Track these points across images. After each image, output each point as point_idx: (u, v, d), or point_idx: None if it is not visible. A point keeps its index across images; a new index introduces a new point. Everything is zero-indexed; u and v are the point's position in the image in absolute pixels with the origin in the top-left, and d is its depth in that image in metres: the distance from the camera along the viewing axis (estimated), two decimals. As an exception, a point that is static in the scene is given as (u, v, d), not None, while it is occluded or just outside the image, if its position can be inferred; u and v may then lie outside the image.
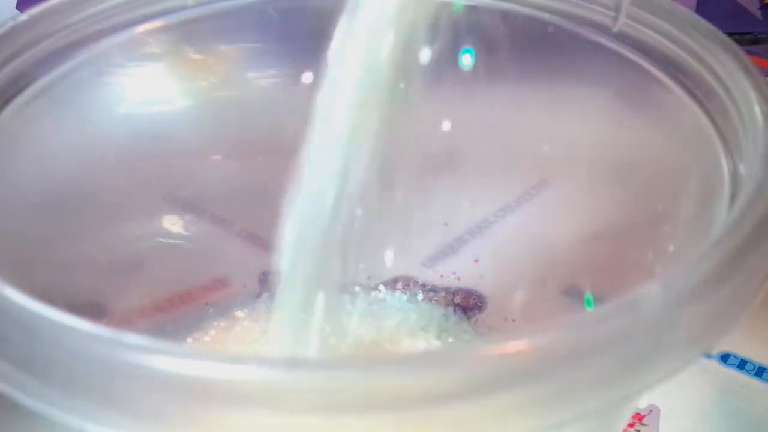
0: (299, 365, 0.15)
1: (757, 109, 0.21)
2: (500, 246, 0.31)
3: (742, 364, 0.30)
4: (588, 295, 0.28)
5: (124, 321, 0.28)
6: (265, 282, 0.30)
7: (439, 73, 0.30)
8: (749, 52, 0.22)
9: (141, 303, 0.29)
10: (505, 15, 0.28)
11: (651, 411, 0.28)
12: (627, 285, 0.16)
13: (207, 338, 0.28)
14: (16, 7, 0.42)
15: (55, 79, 0.26)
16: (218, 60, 0.30)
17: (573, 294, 0.28)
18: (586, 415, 0.16)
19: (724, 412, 0.28)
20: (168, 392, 0.15)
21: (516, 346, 0.15)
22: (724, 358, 0.30)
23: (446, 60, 0.30)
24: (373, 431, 0.15)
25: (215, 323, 0.29)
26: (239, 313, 0.29)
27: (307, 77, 0.29)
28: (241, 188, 0.32)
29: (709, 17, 0.24)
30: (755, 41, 0.42)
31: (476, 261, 0.31)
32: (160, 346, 0.15)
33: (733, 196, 0.20)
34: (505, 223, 0.31)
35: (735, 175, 0.21)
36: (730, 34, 0.23)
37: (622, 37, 0.26)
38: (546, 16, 0.27)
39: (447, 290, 0.30)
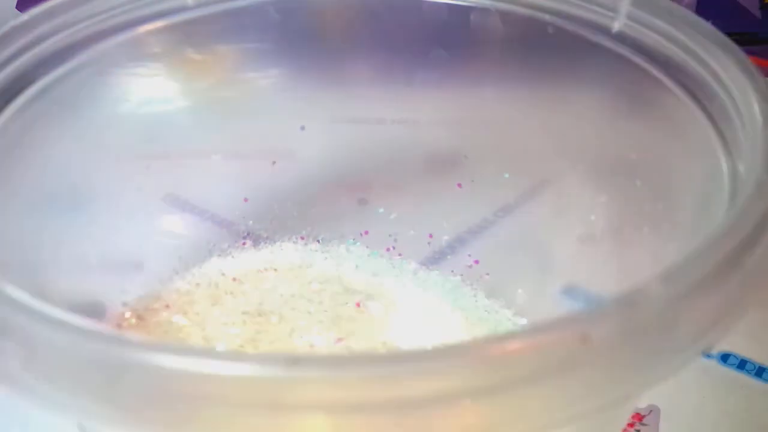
0: (299, 363, 0.15)
1: (757, 109, 0.21)
2: (500, 246, 0.31)
3: (742, 364, 0.30)
4: (588, 295, 0.28)
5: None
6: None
7: (439, 73, 0.30)
8: (749, 52, 0.22)
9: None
10: (505, 15, 0.28)
11: (651, 411, 0.28)
12: (627, 285, 0.16)
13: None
14: (16, 7, 0.42)
15: (55, 79, 0.26)
16: (218, 60, 0.30)
17: (573, 294, 0.28)
18: (586, 414, 0.16)
19: (724, 412, 0.28)
20: (168, 390, 0.15)
21: (515, 345, 0.15)
22: (724, 358, 0.30)
23: (447, 60, 0.30)
24: (373, 429, 0.15)
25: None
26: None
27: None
28: (241, 188, 0.32)
29: (709, 17, 0.24)
30: (755, 41, 0.42)
31: (477, 261, 0.31)
32: (160, 344, 0.15)
33: (733, 196, 0.20)
34: (505, 223, 0.31)
35: (735, 175, 0.21)
36: (730, 34, 0.23)
37: (622, 38, 0.26)
38: (546, 16, 0.27)
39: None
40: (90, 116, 0.28)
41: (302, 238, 0.32)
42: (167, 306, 0.28)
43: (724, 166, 0.21)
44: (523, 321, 0.29)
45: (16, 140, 0.24)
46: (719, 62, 0.22)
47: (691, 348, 0.17)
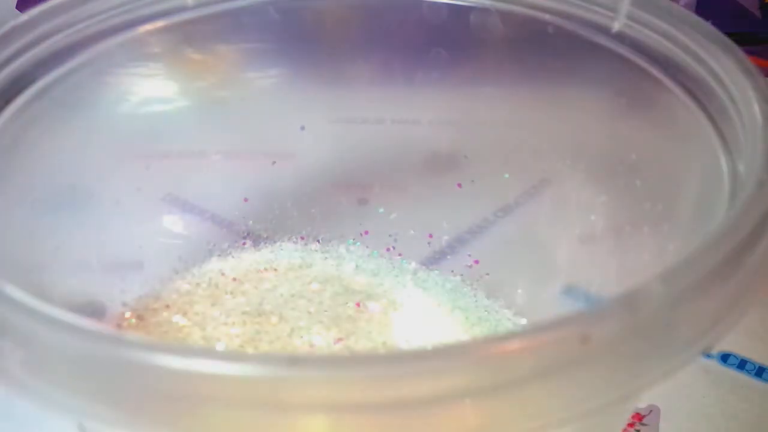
0: (299, 363, 0.15)
1: (756, 108, 0.21)
2: (500, 246, 0.31)
3: (742, 364, 0.30)
4: (588, 295, 0.28)
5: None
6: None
7: (439, 73, 0.30)
8: (749, 52, 0.22)
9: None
10: (505, 15, 0.28)
11: (651, 411, 0.28)
12: (627, 285, 0.16)
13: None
14: (16, 7, 0.42)
15: (55, 79, 0.26)
16: (218, 60, 0.30)
17: (573, 294, 0.28)
18: (586, 414, 0.16)
19: (724, 412, 0.28)
20: (168, 390, 0.15)
21: (515, 345, 0.15)
22: (724, 358, 0.30)
23: (447, 60, 0.30)
24: (373, 429, 0.15)
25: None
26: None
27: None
28: (241, 188, 0.32)
29: (709, 17, 0.24)
30: (755, 41, 0.42)
31: (477, 261, 0.31)
32: (160, 344, 0.15)
33: (732, 196, 0.20)
34: (505, 223, 0.31)
35: (735, 175, 0.21)
36: (730, 34, 0.23)
37: (622, 38, 0.26)
38: (546, 16, 0.27)
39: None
40: (90, 116, 0.28)
41: (302, 238, 0.32)
42: (167, 306, 0.28)
43: (724, 166, 0.21)
44: (523, 321, 0.29)
45: (16, 140, 0.24)
46: (719, 62, 0.22)
47: (691, 348, 0.17)
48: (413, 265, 0.31)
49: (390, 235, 0.32)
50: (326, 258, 0.31)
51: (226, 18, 0.29)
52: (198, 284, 0.30)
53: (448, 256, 0.31)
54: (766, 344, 0.30)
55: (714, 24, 0.23)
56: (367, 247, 0.31)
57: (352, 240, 0.32)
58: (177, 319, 0.28)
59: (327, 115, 0.31)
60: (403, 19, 0.30)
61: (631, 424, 0.28)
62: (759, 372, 0.30)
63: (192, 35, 0.29)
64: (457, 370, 0.15)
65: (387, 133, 0.31)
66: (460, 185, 0.31)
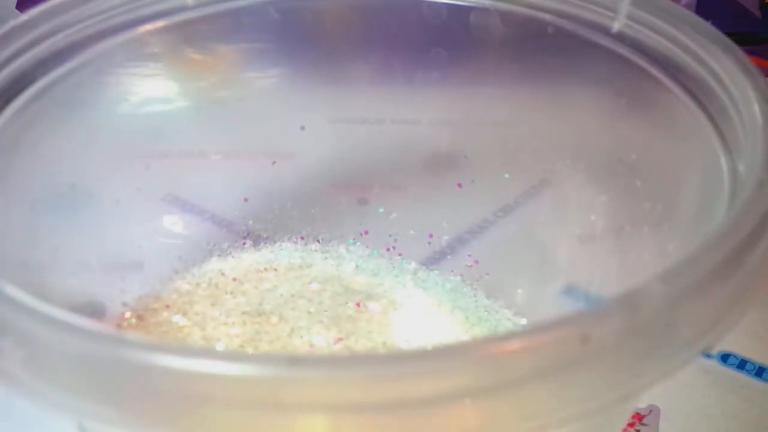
0: (299, 363, 0.15)
1: (756, 108, 0.21)
2: (500, 246, 0.31)
3: (742, 364, 0.30)
4: (588, 295, 0.28)
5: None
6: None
7: (439, 73, 0.30)
8: (749, 52, 0.22)
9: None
10: (505, 15, 0.28)
11: (651, 411, 0.28)
12: (627, 285, 0.16)
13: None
14: (16, 7, 0.42)
15: (55, 79, 0.26)
16: (218, 60, 0.30)
17: (573, 294, 0.28)
18: (586, 414, 0.16)
19: (724, 412, 0.28)
20: (168, 390, 0.15)
21: (515, 345, 0.15)
22: (724, 358, 0.30)
23: (447, 60, 0.30)
24: (373, 429, 0.15)
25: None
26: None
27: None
28: (241, 188, 0.32)
29: (709, 17, 0.24)
30: (755, 41, 0.42)
31: (476, 261, 0.31)
32: (160, 344, 0.15)
33: (732, 196, 0.20)
34: (505, 223, 0.31)
35: (735, 175, 0.21)
36: (730, 34, 0.23)
37: (622, 38, 0.26)
38: (546, 16, 0.27)
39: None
40: (90, 116, 0.28)
41: (302, 238, 0.32)
42: (167, 306, 0.28)
43: (724, 166, 0.21)
44: (523, 321, 0.29)
45: (16, 140, 0.24)
46: (719, 62, 0.22)
47: (691, 348, 0.17)
48: (413, 265, 0.31)
49: (390, 235, 0.32)
50: (326, 258, 0.31)
51: (226, 18, 0.29)
52: (198, 284, 0.30)
53: (448, 256, 0.31)
54: (766, 344, 0.30)
55: (714, 24, 0.23)
56: (367, 247, 0.31)
57: (352, 240, 0.32)
58: (177, 319, 0.28)
59: (327, 115, 0.31)
60: (403, 19, 0.30)
61: (631, 424, 0.28)
62: (759, 372, 0.30)
63: (192, 35, 0.29)
64: (457, 370, 0.15)
65: (387, 133, 0.31)
66: (460, 185, 0.31)
